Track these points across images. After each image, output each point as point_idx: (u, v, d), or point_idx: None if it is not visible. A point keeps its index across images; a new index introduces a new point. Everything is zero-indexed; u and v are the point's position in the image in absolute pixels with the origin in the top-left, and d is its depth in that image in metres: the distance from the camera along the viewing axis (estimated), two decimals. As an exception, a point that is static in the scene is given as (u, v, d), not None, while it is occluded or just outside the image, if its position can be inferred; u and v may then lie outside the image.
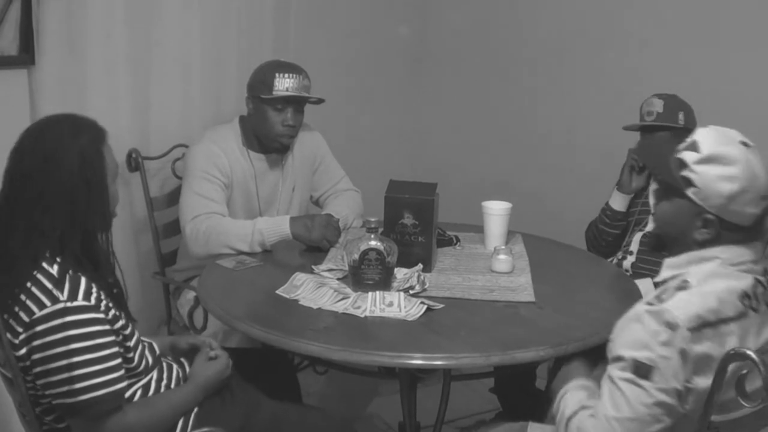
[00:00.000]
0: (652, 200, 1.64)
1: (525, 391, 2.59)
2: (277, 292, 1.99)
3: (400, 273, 2.04)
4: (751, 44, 2.62)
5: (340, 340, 1.74)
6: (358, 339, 1.76)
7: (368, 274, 1.95)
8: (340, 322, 1.84)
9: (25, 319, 1.48)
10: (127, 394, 1.59)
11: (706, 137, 1.51)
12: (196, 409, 1.72)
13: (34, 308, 1.47)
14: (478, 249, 2.41)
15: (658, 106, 2.49)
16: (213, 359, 1.78)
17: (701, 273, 1.47)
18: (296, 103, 2.46)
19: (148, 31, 2.66)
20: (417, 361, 1.68)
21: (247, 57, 2.82)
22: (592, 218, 2.76)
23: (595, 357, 1.82)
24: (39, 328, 1.47)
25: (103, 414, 1.51)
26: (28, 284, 1.49)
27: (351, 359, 1.72)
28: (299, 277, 2.03)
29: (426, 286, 2.01)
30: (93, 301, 1.51)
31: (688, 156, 1.49)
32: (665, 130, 2.49)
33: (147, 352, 1.69)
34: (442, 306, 1.91)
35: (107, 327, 1.53)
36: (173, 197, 2.69)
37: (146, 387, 1.67)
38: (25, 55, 2.34)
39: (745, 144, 1.49)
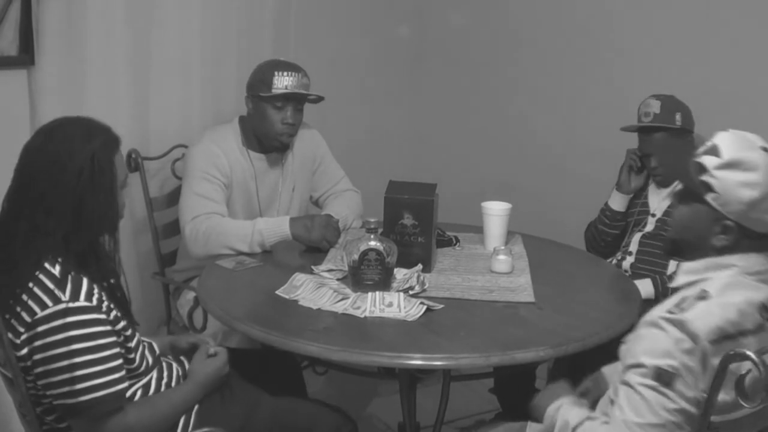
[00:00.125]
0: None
1: (524, 391, 2.57)
2: (276, 292, 1.99)
3: (399, 273, 2.04)
4: (750, 44, 2.62)
5: (339, 340, 1.74)
6: (358, 339, 1.76)
7: (368, 274, 1.95)
8: (340, 322, 1.84)
9: (27, 319, 1.48)
10: (128, 394, 1.59)
11: (727, 142, 1.48)
12: (196, 408, 1.72)
13: (36, 308, 1.47)
14: (477, 249, 2.41)
15: (655, 107, 2.50)
16: (212, 356, 1.78)
17: (720, 282, 1.45)
18: (295, 101, 2.46)
19: (148, 32, 2.66)
20: (416, 362, 1.68)
21: (247, 57, 2.82)
22: (592, 219, 2.76)
23: (593, 358, 1.83)
24: (40, 328, 1.47)
25: (104, 414, 1.51)
26: (30, 284, 1.49)
27: (350, 359, 1.72)
28: (299, 278, 2.03)
29: (425, 287, 2.02)
30: (95, 302, 1.52)
31: (708, 160, 1.47)
32: (662, 130, 2.49)
33: (147, 353, 1.70)
34: (441, 306, 1.91)
35: (108, 328, 1.53)
36: (173, 197, 2.69)
37: (146, 387, 1.67)
38: (25, 55, 2.35)
39: (765, 149, 1.47)
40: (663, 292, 2.40)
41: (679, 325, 1.37)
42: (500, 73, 3.49)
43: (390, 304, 1.87)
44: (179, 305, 2.59)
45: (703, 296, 1.42)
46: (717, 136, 1.51)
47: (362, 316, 1.85)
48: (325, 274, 2.09)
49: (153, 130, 2.74)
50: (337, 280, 2.06)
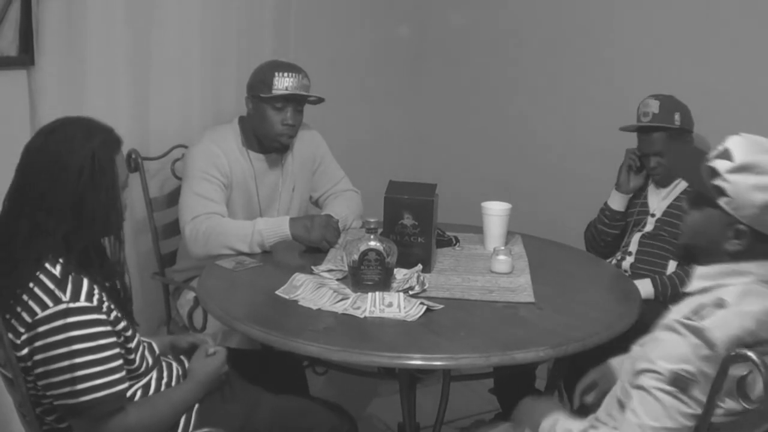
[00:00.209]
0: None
1: (524, 391, 2.58)
2: (276, 292, 1.99)
3: (399, 273, 2.04)
4: (750, 44, 2.62)
5: (339, 340, 1.74)
6: (358, 339, 1.76)
7: (368, 274, 1.95)
8: (340, 322, 1.84)
9: (28, 319, 1.48)
10: (128, 395, 1.59)
11: (739, 145, 1.47)
12: (197, 407, 1.72)
13: (37, 309, 1.47)
14: (477, 249, 2.41)
15: (654, 107, 2.50)
16: (211, 355, 1.78)
17: (737, 290, 1.43)
18: (296, 102, 2.46)
19: (148, 32, 2.66)
20: (416, 362, 1.68)
21: (247, 57, 2.82)
22: (591, 219, 2.76)
23: (593, 358, 1.83)
24: (41, 328, 1.47)
25: (105, 415, 1.51)
26: (31, 285, 1.49)
27: (350, 360, 1.72)
28: (299, 278, 2.03)
29: (425, 287, 2.02)
30: (95, 303, 1.52)
31: (720, 164, 1.46)
32: (661, 130, 2.50)
33: (147, 353, 1.70)
34: (441, 306, 1.91)
35: (109, 328, 1.53)
36: (173, 198, 2.69)
37: (146, 387, 1.67)
38: (25, 55, 2.35)
39: None
40: (662, 292, 2.41)
41: (697, 332, 1.36)
42: (500, 73, 3.49)
43: (390, 305, 1.87)
44: (179, 305, 2.59)
45: (720, 304, 1.41)
46: (728, 140, 1.49)
47: (362, 316, 1.85)
48: (325, 275, 2.09)
49: (153, 130, 2.74)
50: (337, 280, 2.06)
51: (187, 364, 1.80)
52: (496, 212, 2.38)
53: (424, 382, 2.55)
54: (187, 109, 2.82)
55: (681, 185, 2.55)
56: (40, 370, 1.49)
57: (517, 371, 2.43)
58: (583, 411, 1.77)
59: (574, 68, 3.20)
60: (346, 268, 2.02)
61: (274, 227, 2.34)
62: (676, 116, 2.50)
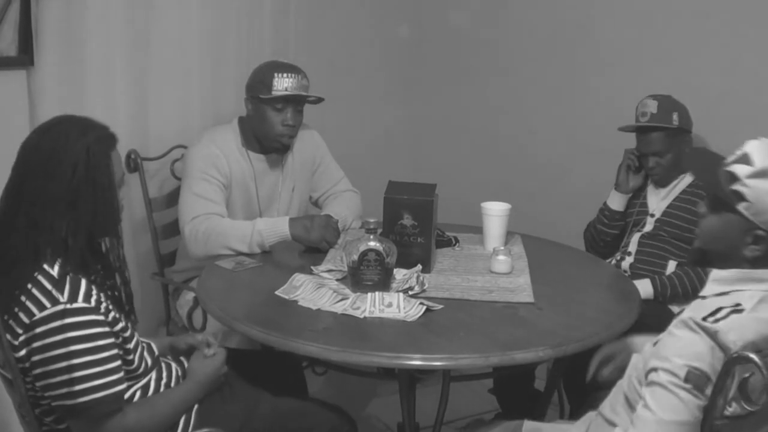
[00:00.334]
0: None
1: (524, 391, 2.60)
2: (276, 292, 1.99)
3: (399, 274, 2.04)
4: (749, 45, 2.62)
5: (339, 340, 1.74)
6: (357, 340, 1.76)
7: (367, 274, 1.95)
8: (339, 322, 1.84)
9: (25, 320, 1.48)
10: (127, 395, 1.59)
11: (759, 150, 1.45)
12: (196, 407, 1.72)
13: (34, 310, 1.47)
14: (477, 250, 2.41)
15: (652, 107, 2.50)
16: (210, 356, 1.78)
17: (755, 297, 1.42)
18: (295, 102, 2.46)
19: (148, 32, 2.66)
20: (416, 362, 1.68)
21: (246, 58, 2.82)
22: (591, 219, 2.76)
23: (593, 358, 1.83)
24: (39, 329, 1.47)
25: (104, 415, 1.51)
26: (29, 285, 1.49)
27: (350, 360, 1.72)
28: (298, 278, 2.03)
29: (425, 287, 2.01)
30: (93, 303, 1.51)
31: (739, 169, 1.44)
32: (659, 130, 2.50)
33: (146, 354, 1.70)
34: (441, 307, 1.91)
35: (107, 329, 1.53)
36: (172, 198, 2.69)
37: (145, 388, 1.67)
38: (24, 56, 2.35)
39: None
40: (662, 292, 2.41)
41: (712, 334, 1.36)
42: (500, 74, 3.49)
43: (389, 305, 1.87)
44: (179, 306, 2.59)
45: (737, 309, 1.40)
46: (747, 145, 1.47)
47: (362, 316, 1.85)
48: (325, 275, 2.09)
49: (152, 130, 2.74)
50: (337, 280, 2.06)
51: (186, 365, 1.80)
52: (495, 212, 2.38)
53: (424, 383, 2.55)
54: (186, 109, 2.82)
55: (680, 185, 2.55)
56: (38, 371, 1.48)
57: (517, 371, 2.43)
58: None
59: (574, 68, 3.20)
60: (346, 269, 2.02)
61: (274, 227, 2.33)
62: (674, 116, 2.50)
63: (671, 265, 2.49)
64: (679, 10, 2.81)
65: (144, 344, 1.71)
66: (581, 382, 1.83)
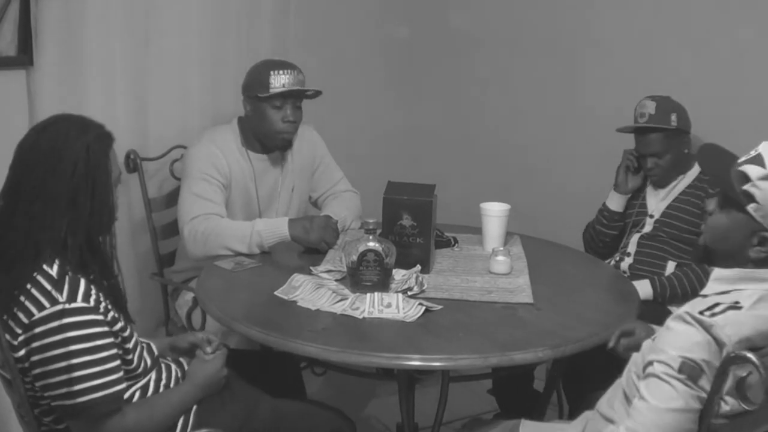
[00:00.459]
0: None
1: (523, 392, 2.60)
2: (275, 293, 1.99)
3: (398, 274, 2.04)
4: (747, 45, 2.62)
5: (338, 341, 1.74)
6: (357, 340, 1.76)
7: (366, 275, 1.95)
8: (339, 323, 1.84)
9: (24, 320, 1.48)
10: (126, 396, 1.59)
11: None
12: (195, 408, 1.72)
13: (33, 310, 1.47)
14: (476, 250, 2.41)
15: (651, 107, 2.50)
16: (210, 357, 1.78)
17: (753, 294, 1.42)
18: (294, 98, 2.46)
19: (147, 33, 2.66)
20: (415, 363, 1.68)
21: (246, 58, 2.82)
22: (590, 220, 2.76)
23: (592, 359, 1.83)
24: (38, 329, 1.47)
25: (103, 416, 1.51)
26: (28, 286, 1.49)
27: (349, 360, 1.72)
28: (298, 278, 2.03)
29: (424, 288, 2.02)
30: (92, 303, 1.51)
31: (751, 170, 1.44)
32: (658, 131, 2.50)
33: (145, 354, 1.69)
34: (440, 307, 1.91)
35: (106, 329, 1.53)
36: (172, 198, 2.69)
37: (145, 388, 1.67)
38: (24, 56, 2.34)
39: None
40: (661, 292, 2.41)
41: (707, 327, 1.36)
42: (499, 74, 3.50)
43: (389, 305, 1.87)
44: (178, 306, 2.59)
45: (735, 306, 1.40)
46: (762, 146, 1.47)
47: (361, 316, 1.85)
48: (324, 275, 2.09)
49: (152, 130, 2.74)
50: (336, 281, 2.06)
51: (186, 366, 1.80)
52: (494, 213, 2.39)
53: (423, 383, 2.55)
54: (186, 109, 2.82)
55: (679, 186, 2.56)
56: (37, 371, 1.48)
57: (516, 372, 2.43)
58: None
59: (573, 69, 3.20)
60: (345, 269, 2.02)
61: (273, 228, 2.34)
62: (673, 117, 2.50)
63: (670, 266, 2.49)
64: (679, 11, 2.81)
65: (143, 344, 1.71)
66: (580, 382, 1.83)
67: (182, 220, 2.39)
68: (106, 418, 1.52)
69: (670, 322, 1.44)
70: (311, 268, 2.14)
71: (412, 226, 2.13)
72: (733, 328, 1.36)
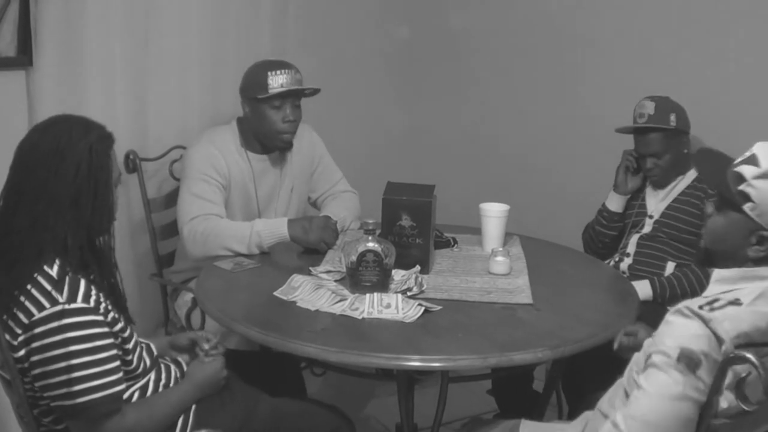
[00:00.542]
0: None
1: (522, 392, 2.60)
2: (274, 293, 1.99)
3: (397, 275, 2.04)
4: (747, 45, 2.62)
5: (337, 341, 1.74)
6: (356, 340, 1.76)
7: (366, 275, 1.95)
8: (338, 323, 1.84)
9: (24, 320, 1.48)
10: (125, 396, 1.59)
11: (766, 151, 1.45)
12: (194, 408, 1.72)
13: (33, 310, 1.47)
14: (475, 251, 2.41)
15: (650, 108, 2.50)
16: (209, 357, 1.78)
17: (753, 291, 1.42)
18: (293, 97, 2.46)
19: (146, 33, 2.66)
20: (414, 363, 1.68)
21: (245, 58, 2.81)
22: (589, 220, 2.76)
23: (591, 359, 1.83)
24: (38, 330, 1.47)
25: (102, 416, 1.51)
26: (28, 286, 1.49)
27: (348, 361, 1.72)
28: (297, 279, 2.03)
29: (423, 288, 2.02)
30: (92, 303, 1.51)
31: (746, 170, 1.45)
32: (657, 131, 2.50)
33: (145, 354, 1.70)
34: (439, 308, 1.91)
35: (106, 329, 1.53)
36: (171, 199, 2.69)
37: (144, 388, 1.67)
38: (23, 56, 2.34)
39: None
40: (661, 293, 2.41)
41: (706, 321, 1.36)
42: (499, 75, 3.49)
43: (388, 306, 1.87)
44: (177, 306, 2.59)
45: (735, 302, 1.40)
46: (756, 146, 1.48)
47: (360, 317, 1.85)
48: (323, 276, 2.09)
49: (151, 131, 2.74)
50: (335, 281, 2.06)
51: (185, 367, 1.80)
52: (494, 213, 2.39)
53: (422, 384, 2.55)
54: (185, 110, 2.82)
55: (678, 187, 2.56)
56: (37, 371, 1.49)
57: (515, 372, 2.43)
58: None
59: (572, 70, 3.20)
60: (344, 269, 2.02)
61: (273, 228, 2.34)
62: (672, 117, 2.50)
63: (670, 267, 2.49)
64: (678, 11, 2.81)
65: (143, 345, 1.71)
66: (579, 382, 1.83)
67: (181, 221, 2.39)
68: (105, 418, 1.52)
69: (669, 316, 1.44)
70: (310, 268, 2.14)
71: (412, 227, 2.13)
72: (731, 323, 1.36)
